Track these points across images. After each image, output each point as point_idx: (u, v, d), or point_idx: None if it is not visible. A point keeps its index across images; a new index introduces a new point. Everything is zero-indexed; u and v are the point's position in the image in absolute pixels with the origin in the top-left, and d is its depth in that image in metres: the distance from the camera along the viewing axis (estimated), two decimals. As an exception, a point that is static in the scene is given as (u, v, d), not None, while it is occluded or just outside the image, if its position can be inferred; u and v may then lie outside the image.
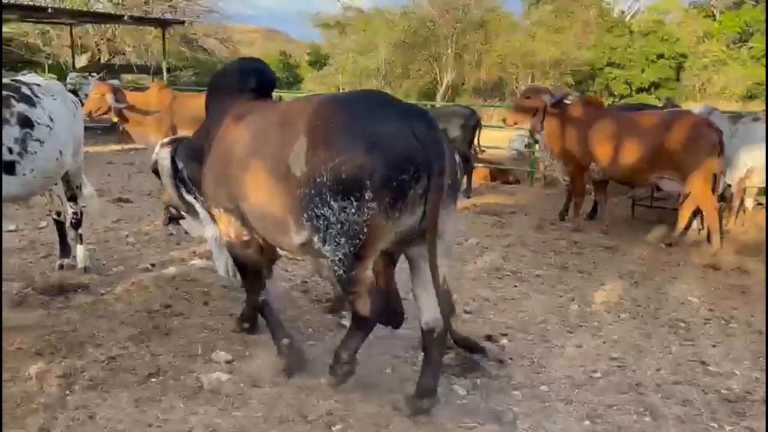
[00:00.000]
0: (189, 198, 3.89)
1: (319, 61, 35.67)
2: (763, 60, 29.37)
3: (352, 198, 2.65)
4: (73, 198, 4.99)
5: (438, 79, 33.19)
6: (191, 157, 3.72)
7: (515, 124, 8.04)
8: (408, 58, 34.10)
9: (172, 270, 5.17)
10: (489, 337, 4.15)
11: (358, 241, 2.72)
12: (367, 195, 2.63)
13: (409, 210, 2.73)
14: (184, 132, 6.38)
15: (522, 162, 12.27)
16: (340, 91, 22.80)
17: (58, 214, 5.15)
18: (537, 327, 4.44)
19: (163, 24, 19.27)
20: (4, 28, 24.66)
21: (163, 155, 3.88)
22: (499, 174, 11.22)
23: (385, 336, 3.76)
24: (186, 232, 4.55)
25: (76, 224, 5.05)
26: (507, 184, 10.95)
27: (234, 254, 3.62)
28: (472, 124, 9.34)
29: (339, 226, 2.72)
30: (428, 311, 3.01)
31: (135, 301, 4.51)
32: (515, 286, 5.34)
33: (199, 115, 4.19)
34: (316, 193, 2.72)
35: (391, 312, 3.10)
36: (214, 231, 3.86)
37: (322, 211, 2.73)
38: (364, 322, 3.01)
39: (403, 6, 33.84)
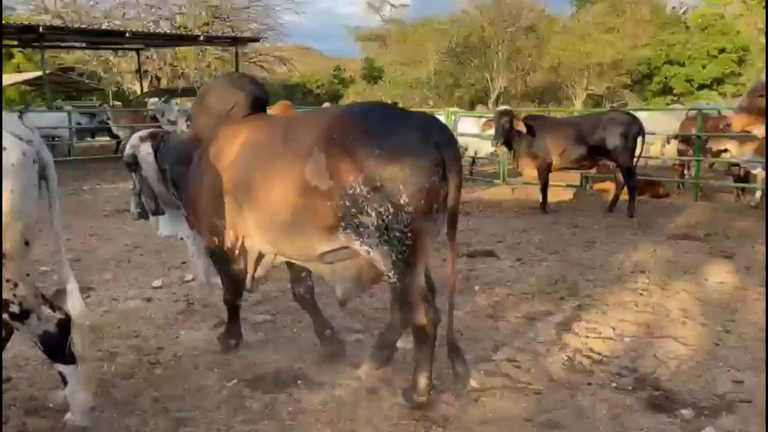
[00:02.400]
0: (171, 194, 3.78)
1: (372, 75, 35.29)
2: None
3: (389, 205, 2.69)
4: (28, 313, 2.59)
5: (489, 86, 32.26)
6: (177, 161, 3.66)
7: (745, 129, 5.38)
8: (458, 67, 33.36)
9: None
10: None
11: (404, 247, 2.75)
12: (403, 200, 2.68)
13: (442, 210, 2.79)
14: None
15: (667, 171, 10.72)
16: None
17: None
18: None
19: (235, 42, 18.80)
20: (67, 57, 25.28)
21: (145, 149, 3.77)
22: (648, 187, 9.39)
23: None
24: (155, 228, 4.16)
25: (51, 351, 2.72)
26: (657, 197, 9.30)
27: (221, 266, 3.57)
28: (635, 132, 7.83)
29: (378, 234, 2.76)
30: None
31: None
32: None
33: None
34: (352, 204, 2.76)
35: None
36: (188, 232, 3.83)
37: (362, 220, 2.78)
38: (425, 333, 2.93)
39: (452, 14, 33.14)
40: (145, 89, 23.04)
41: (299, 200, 2.91)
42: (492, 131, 8.53)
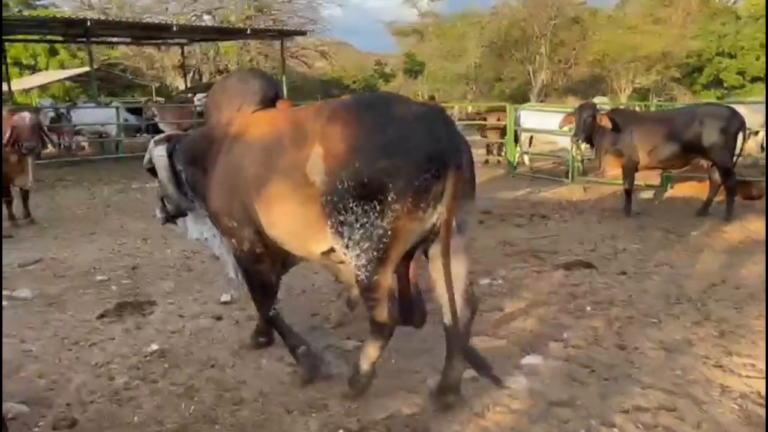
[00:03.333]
0: (189, 197, 3.65)
1: (414, 70, 34.49)
2: None
3: (375, 202, 2.57)
4: None
5: (532, 80, 31.27)
6: (191, 162, 3.52)
7: None
8: (499, 60, 32.42)
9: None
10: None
11: (382, 245, 2.62)
12: (390, 197, 2.54)
13: (432, 208, 2.62)
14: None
15: (755, 169, 9.66)
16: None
17: None
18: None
19: (281, 35, 18.15)
20: (111, 53, 25.13)
21: (158, 152, 3.64)
22: (740, 187, 7.98)
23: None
24: (183, 234, 4.02)
25: None
26: (749, 199, 8.17)
27: (246, 268, 3.37)
28: (735, 128, 6.96)
29: (362, 231, 2.63)
30: (448, 309, 2.78)
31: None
32: None
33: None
34: (339, 200, 2.63)
35: (412, 311, 2.99)
36: (214, 231, 3.63)
37: (346, 218, 2.64)
38: (383, 329, 2.85)
39: (493, 7, 32.18)
40: (189, 85, 22.74)
41: (303, 197, 2.78)
42: (571, 127, 7.77)
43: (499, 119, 12.14)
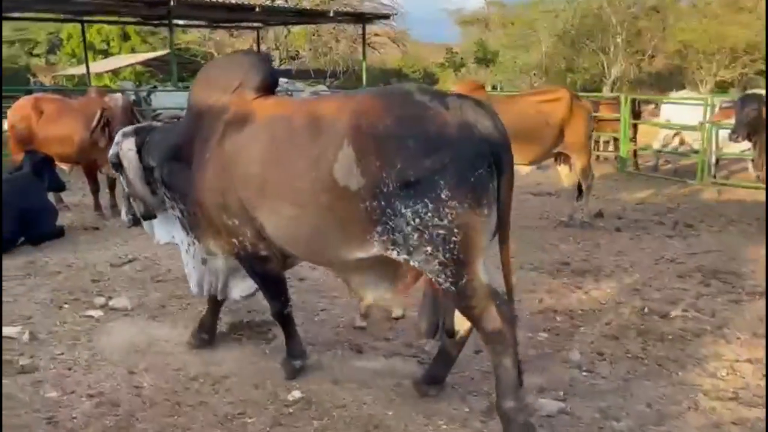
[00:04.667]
0: (160, 197, 3.28)
1: (486, 59, 33.06)
2: None
3: (426, 201, 2.32)
4: None
5: (606, 72, 29.58)
6: (168, 157, 3.14)
7: None
8: (571, 50, 30.80)
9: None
10: None
11: (451, 245, 2.35)
12: (444, 195, 2.31)
13: (494, 200, 2.40)
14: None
15: None
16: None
17: None
18: None
19: (363, 19, 17.02)
20: (184, 37, 24.73)
21: (127, 146, 3.24)
22: None
23: None
24: (152, 235, 3.62)
25: None
26: None
27: (252, 269, 3.07)
28: None
29: (419, 234, 2.37)
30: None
31: None
32: None
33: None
34: (386, 204, 2.38)
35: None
36: (185, 238, 3.28)
37: (397, 222, 2.39)
38: (499, 336, 2.42)
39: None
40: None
41: (327, 202, 2.50)
42: (730, 121, 6.60)
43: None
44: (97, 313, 3.96)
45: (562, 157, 6.40)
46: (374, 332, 3.69)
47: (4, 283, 4.36)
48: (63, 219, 6.25)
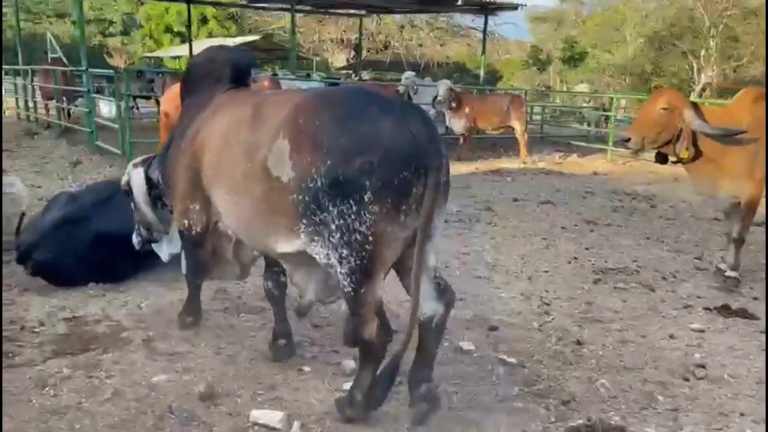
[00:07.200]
0: (163, 216, 3.53)
1: (573, 57, 31.22)
2: None
3: (351, 202, 2.27)
4: None
5: (695, 77, 27.58)
6: (162, 160, 3.34)
7: None
8: (659, 53, 28.85)
9: None
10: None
11: (364, 252, 2.32)
12: (367, 198, 2.25)
13: (414, 211, 2.33)
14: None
15: None
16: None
17: None
18: None
19: (486, 9, 15.43)
20: (271, 21, 23.60)
21: (137, 174, 3.51)
22: None
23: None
24: (162, 256, 3.78)
25: None
26: None
27: (191, 246, 3.22)
28: None
29: (339, 235, 2.33)
30: (426, 302, 2.52)
31: None
32: None
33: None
34: (312, 199, 2.36)
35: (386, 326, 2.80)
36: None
37: (322, 220, 2.37)
38: (371, 349, 2.50)
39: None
40: (343, 63, 20.96)
41: (261, 191, 2.52)
42: None
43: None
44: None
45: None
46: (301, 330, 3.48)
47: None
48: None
